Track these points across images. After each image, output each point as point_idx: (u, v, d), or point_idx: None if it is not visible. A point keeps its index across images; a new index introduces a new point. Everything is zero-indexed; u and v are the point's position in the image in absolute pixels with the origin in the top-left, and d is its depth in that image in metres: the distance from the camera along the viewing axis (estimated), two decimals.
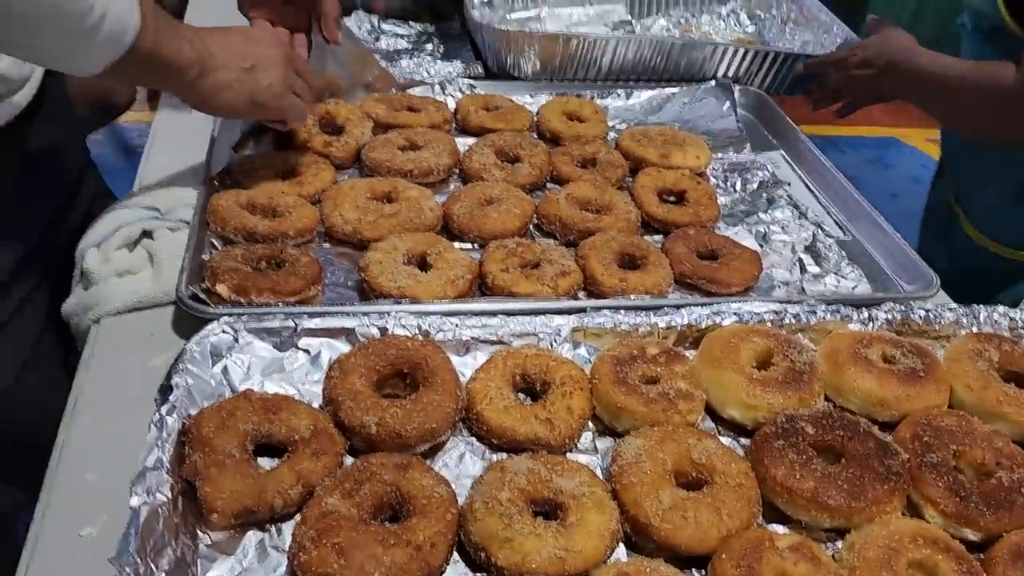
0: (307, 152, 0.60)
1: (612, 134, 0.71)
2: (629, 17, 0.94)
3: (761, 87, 0.79)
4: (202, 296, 0.45)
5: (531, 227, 0.57)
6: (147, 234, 0.49)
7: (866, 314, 0.46)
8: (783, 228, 0.57)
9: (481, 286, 0.49)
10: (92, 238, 0.49)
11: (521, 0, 0.92)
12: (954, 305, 0.50)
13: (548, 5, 0.92)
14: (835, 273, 0.53)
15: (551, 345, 0.43)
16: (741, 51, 0.78)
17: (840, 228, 0.58)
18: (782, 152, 0.69)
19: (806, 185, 0.64)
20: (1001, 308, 0.50)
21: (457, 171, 0.63)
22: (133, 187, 0.59)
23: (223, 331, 0.42)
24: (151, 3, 0.46)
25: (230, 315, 0.42)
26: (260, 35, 0.58)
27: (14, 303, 0.54)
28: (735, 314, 0.45)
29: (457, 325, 0.43)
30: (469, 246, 0.53)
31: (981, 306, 0.49)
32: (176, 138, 0.65)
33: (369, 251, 0.48)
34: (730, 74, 0.79)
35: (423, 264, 0.48)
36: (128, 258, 0.48)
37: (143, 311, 0.47)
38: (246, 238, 0.49)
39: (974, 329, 0.48)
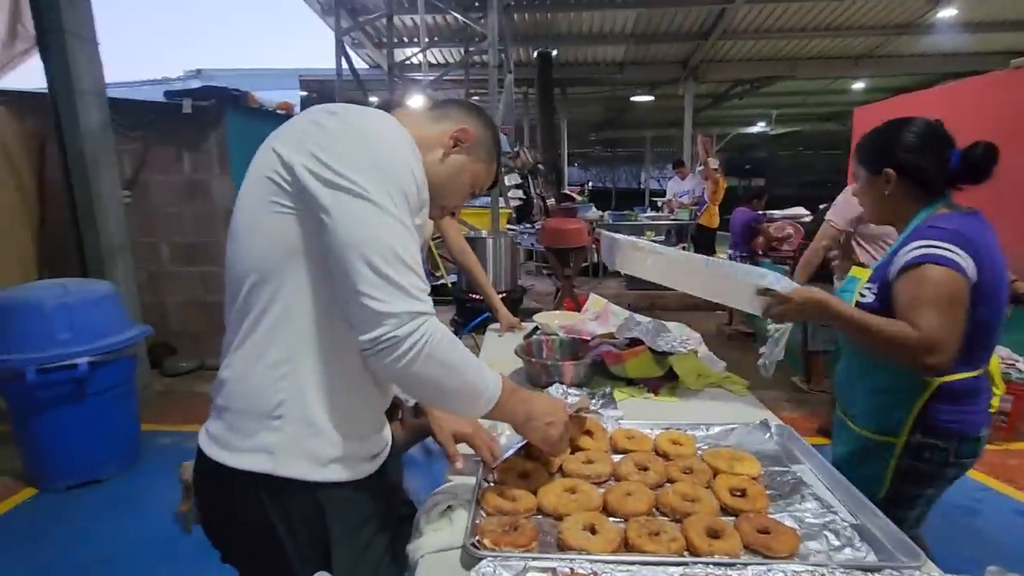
0: (535, 463, 1.05)
1: (700, 451, 1.13)
2: None
3: None
4: (476, 545, 0.85)
5: (655, 510, 0.96)
6: (450, 508, 0.95)
7: None
8: (812, 515, 0.90)
9: (626, 545, 0.86)
10: (423, 509, 0.95)
11: None
12: (937, 572, 0.78)
13: None
14: (850, 546, 0.83)
15: None
16: None
17: (851, 515, 0.90)
18: (808, 466, 1.06)
19: (825, 486, 0.99)
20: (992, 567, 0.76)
21: (614, 477, 1.05)
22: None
23: (487, 567, 0.80)
24: (508, 381, 0.87)
25: (492, 557, 0.80)
26: (558, 405, 0.98)
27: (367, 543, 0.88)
28: (782, 571, 0.77)
29: (613, 568, 0.78)
30: (617, 521, 0.92)
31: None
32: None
33: (562, 522, 0.88)
34: None
35: (593, 530, 0.87)
36: (439, 521, 0.93)
37: (447, 552, 0.88)
38: (499, 512, 0.93)
39: None
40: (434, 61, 7.26)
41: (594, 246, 7.36)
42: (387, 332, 0.70)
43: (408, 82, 5.25)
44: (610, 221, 7.55)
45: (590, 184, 21.39)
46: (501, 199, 4.27)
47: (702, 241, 7.10)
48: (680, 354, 1.54)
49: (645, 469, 1.04)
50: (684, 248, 7.29)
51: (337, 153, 0.72)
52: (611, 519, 0.91)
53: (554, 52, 8.50)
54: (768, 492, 0.98)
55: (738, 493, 0.97)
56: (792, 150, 21.85)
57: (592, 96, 12.24)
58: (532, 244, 6.18)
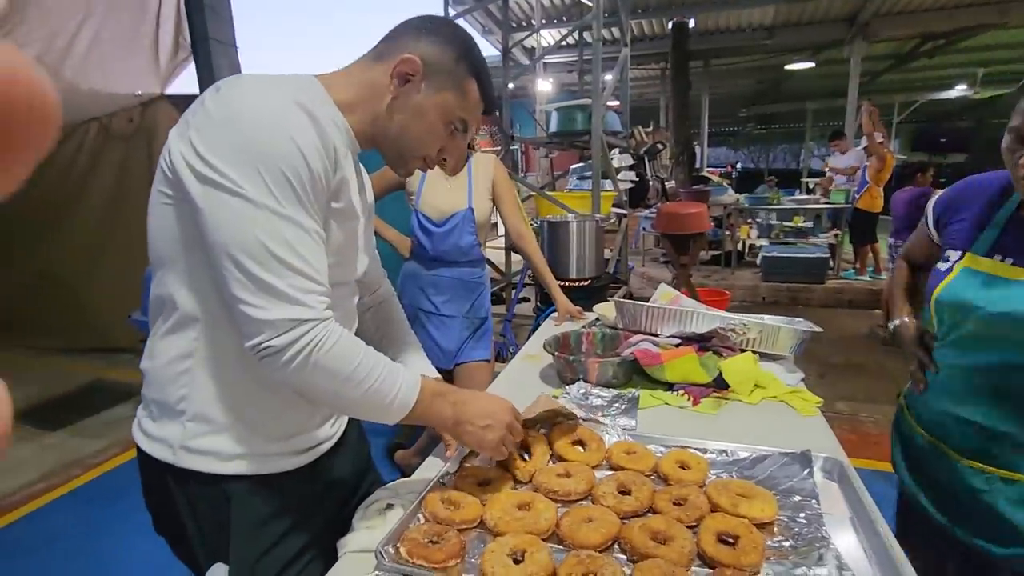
0: (501, 470, 0.94)
1: (710, 480, 0.92)
2: None
3: None
4: (383, 553, 0.72)
5: (617, 545, 0.79)
6: (390, 506, 0.88)
7: None
8: None
9: None
10: (363, 504, 0.90)
11: None
12: None
13: None
14: None
15: None
16: None
17: None
18: (851, 516, 0.79)
19: (864, 551, 0.73)
20: None
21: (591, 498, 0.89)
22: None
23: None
24: (432, 384, 0.81)
25: (390, 569, 0.71)
26: (499, 406, 0.86)
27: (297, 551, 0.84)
28: None
29: None
30: (561, 550, 0.77)
31: None
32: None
33: (491, 541, 0.76)
34: None
35: (518, 558, 0.74)
36: (374, 519, 0.87)
37: (369, 553, 0.81)
38: (435, 519, 0.84)
39: None
40: (546, 43, 7.11)
41: (727, 232, 6.75)
42: (264, 341, 0.66)
43: (519, 66, 5.19)
44: (746, 204, 6.82)
45: (739, 165, 19.66)
46: (607, 181, 4.03)
47: (860, 227, 6.10)
48: (731, 357, 1.29)
49: (628, 493, 0.87)
50: (836, 236, 6.34)
51: (208, 140, 0.65)
52: (557, 547, 0.77)
53: (691, 22, 7.84)
54: (774, 543, 0.76)
55: (730, 540, 0.76)
56: (1006, 118, 17.83)
57: (739, 67, 11.08)
58: (644, 229, 5.82)
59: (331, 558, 0.83)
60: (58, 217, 4.19)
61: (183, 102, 4.00)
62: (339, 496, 0.94)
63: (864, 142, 5.89)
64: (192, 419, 0.76)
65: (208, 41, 3.32)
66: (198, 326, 0.74)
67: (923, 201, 4.41)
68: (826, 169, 6.98)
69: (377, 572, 0.73)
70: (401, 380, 0.76)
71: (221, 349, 0.75)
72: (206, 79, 3.40)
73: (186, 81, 3.95)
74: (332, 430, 0.91)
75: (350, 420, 0.99)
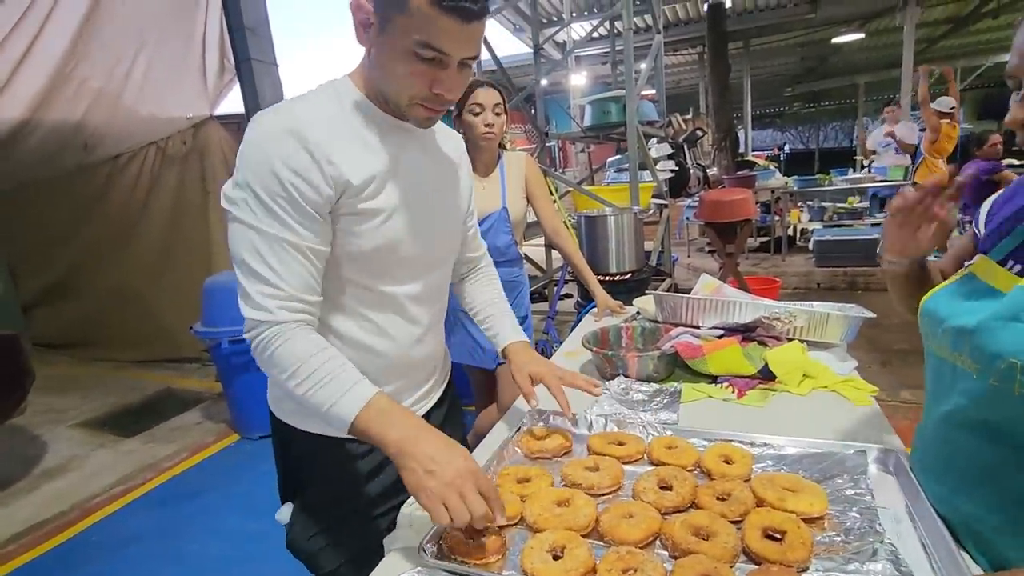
0: (540, 468, 0.94)
1: (756, 474, 0.89)
2: None
3: None
4: (424, 549, 0.73)
5: (659, 541, 0.78)
6: None
7: None
8: None
9: None
10: (408, 501, 0.93)
11: None
12: None
13: None
14: None
15: None
16: None
17: None
18: (909, 510, 0.76)
19: (922, 545, 0.69)
20: None
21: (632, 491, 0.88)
22: None
23: (417, 572, 0.73)
24: (387, 405, 0.77)
25: (436, 566, 0.72)
26: (456, 460, 0.73)
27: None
28: None
29: None
30: (601, 546, 0.77)
31: None
32: None
33: (530, 538, 0.76)
34: None
35: (558, 554, 0.73)
36: (420, 516, 0.89)
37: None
38: None
39: None
40: (577, 36, 7.02)
41: (776, 217, 6.50)
42: (244, 332, 0.81)
43: (551, 62, 5.16)
44: (795, 188, 6.55)
45: (787, 147, 18.88)
46: (645, 172, 3.96)
47: None
48: (777, 347, 1.24)
49: (669, 488, 0.86)
50: None
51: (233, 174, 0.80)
52: (597, 543, 0.77)
53: (727, 2, 7.58)
54: (824, 539, 0.73)
55: (777, 536, 0.74)
56: None
57: (782, 45, 10.65)
58: (688, 219, 5.67)
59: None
60: (125, 237, 4.48)
61: (230, 122, 4.19)
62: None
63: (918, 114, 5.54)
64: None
65: (250, 62, 3.47)
66: None
67: (992, 173, 4.07)
68: (872, 145, 6.60)
69: (419, 568, 0.75)
70: (344, 392, 0.77)
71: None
72: (250, 98, 3.55)
73: (232, 101, 4.14)
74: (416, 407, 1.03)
75: (444, 413, 1.13)
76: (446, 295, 1.08)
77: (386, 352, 0.95)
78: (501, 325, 1.13)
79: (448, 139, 1.03)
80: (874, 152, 6.62)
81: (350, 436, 0.80)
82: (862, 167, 7.82)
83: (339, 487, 1.00)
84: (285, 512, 1.05)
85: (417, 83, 0.77)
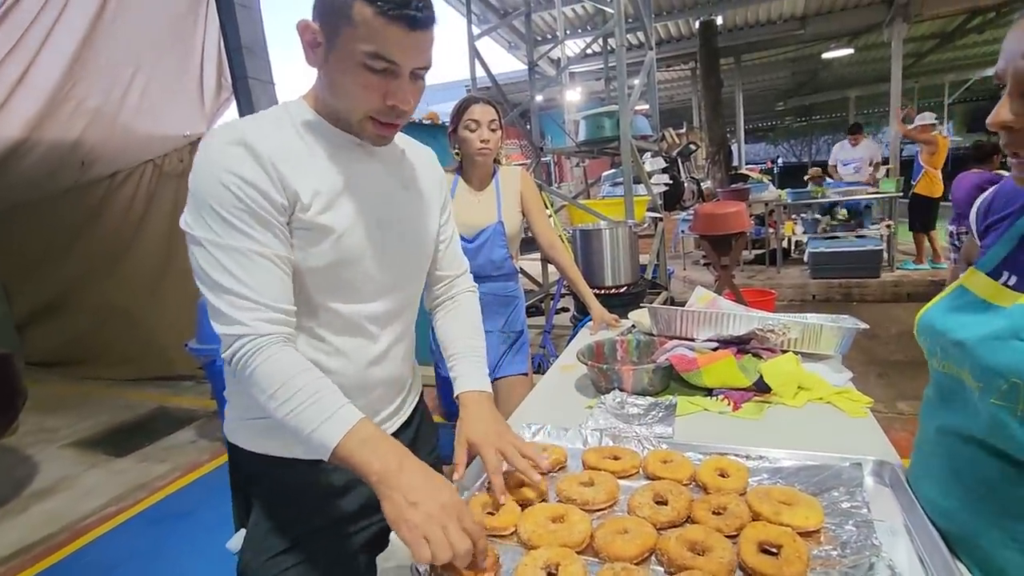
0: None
1: (751, 488, 0.89)
2: None
3: None
4: (418, 571, 0.71)
5: (655, 557, 0.77)
6: None
7: None
8: None
9: None
10: None
11: None
12: None
13: None
14: None
15: None
16: None
17: None
18: (906, 523, 0.75)
19: (919, 559, 0.69)
20: None
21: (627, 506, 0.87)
22: None
23: None
24: (372, 433, 0.73)
25: None
26: (442, 489, 0.71)
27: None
28: None
29: None
30: (596, 563, 0.76)
31: None
32: None
33: (524, 555, 0.76)
34: None
35: (552, 572, 0.72)
36: None
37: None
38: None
39: None
40: (571, 53, 7.12)
41: (771, 230, 6.54)
42: (223, 352, 0.77)
43: (545, 78, 5.22)
44: (789, 200, 6.60)
45: (779, 160, 19.08)
46: (640, 186, 3.99)
47: (919, 213, 5.82)
48: (772, 359, 1.24)
49: (665, 503, 0.86)
50: (889, 227, 6.05)
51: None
52: (592, 559, 0.76)
53: (718, 19, 7.72)
54: (821, 552, 0.72)
55: (773, 550, 0.73)
56: None
57: (773, 60, 10.82)
58: (683, 232, 5.70)
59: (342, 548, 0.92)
60: (120, 254, 4.48)
61: None
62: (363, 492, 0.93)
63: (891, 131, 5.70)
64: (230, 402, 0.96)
65: (247, 80, 3.50)
66: None
67: (988, 186, 4.16)
68: (834, 162, 7.04)
69: None
70: (326, 418, 0.73)
71: None
72: (246, 114, 3.58)
73: (229, 119, 4.17)
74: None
75: (413, 433, 1.08)
76: (413, 314, 1.03)
77: (340, 371, 0.89)
78: (463, 367, 1.02)
79: (419, 156, 1.01)
80: (834, 166, 6.92)
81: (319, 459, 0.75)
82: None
83: (303, 503, 0.94)
84: (237, 540, 0.99)
85: (370, 96, 0.76)
